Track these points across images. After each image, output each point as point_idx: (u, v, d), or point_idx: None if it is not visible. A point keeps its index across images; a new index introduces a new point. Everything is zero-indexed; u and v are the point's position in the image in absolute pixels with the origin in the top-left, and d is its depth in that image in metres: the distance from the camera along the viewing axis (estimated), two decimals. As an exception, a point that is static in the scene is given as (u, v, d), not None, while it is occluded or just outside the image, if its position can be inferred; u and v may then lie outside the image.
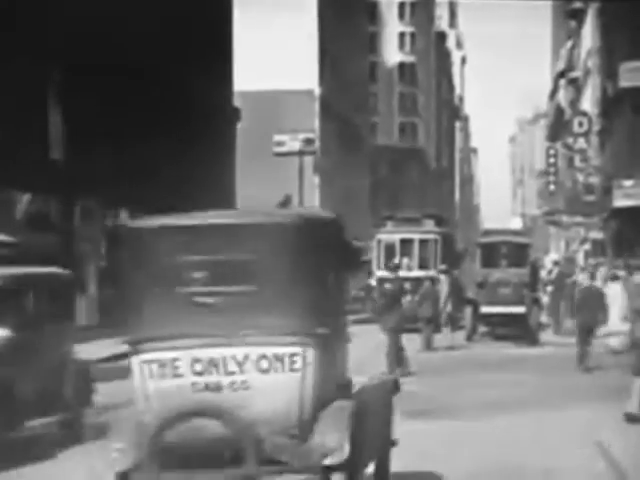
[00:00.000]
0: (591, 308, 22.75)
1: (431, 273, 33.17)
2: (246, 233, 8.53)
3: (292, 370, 8.30)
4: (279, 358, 8.31)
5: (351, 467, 8.25)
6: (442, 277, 32.34)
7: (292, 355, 8.31)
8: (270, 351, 8.29)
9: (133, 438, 8.37)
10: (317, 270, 8.59)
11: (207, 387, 8.31)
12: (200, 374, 8.31)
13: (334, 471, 8.24)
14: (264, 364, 8.31)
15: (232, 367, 8.30)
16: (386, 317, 22.27)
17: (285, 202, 58.56)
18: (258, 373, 8.31)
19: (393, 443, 10.13)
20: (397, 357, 21.69)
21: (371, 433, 8.81)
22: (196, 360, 8.30)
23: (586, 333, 22.57)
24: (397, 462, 12.58)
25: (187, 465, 8.20)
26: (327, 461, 8.15)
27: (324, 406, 8.39)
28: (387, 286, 23.68)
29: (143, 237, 8.66)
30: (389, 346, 21.73)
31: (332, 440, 8.20)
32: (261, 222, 8.70)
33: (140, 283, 8.56)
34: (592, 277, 25.68)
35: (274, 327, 8.30)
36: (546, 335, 29.88)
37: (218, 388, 8.29)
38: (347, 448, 8.17)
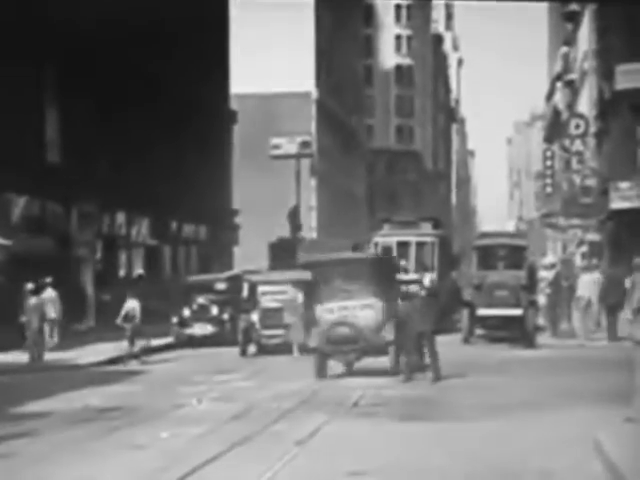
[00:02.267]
0: (613, 291, 28.24)
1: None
2: (357, 261, 23.80)
3: (374, 310, 21.79)
4: (369, 305, 21.81)
5: (396, 343, 21.58)
6: None
7: (374, 304, 21.82)
8: (366, 302, 21.82)
9: (315, 334, 21.99)
10: (384, 275, 22.87)
11: (342, 316, 21.70)
12: (340, 311, 21.74)
13: (390, 344, 21.60)
14: (364, 307, 21.77)
15: (351, 308, 21.76)
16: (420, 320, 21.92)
17: (294, 212, 58.69)
18: (361, 310, 21.74)
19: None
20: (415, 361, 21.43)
21: (404, 330, 21.41)
22: (339, 306, 21.78)
23: (613, 311, 28.29)
24: (397, 462, 12.62)
25: (336, 343, 21.51)
26: (387, 339, 21.63)
27: (386, 322, 21.76)
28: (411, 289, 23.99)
29: (318, 264, 23.77)
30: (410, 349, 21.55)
31: (388, 333, 21.70)
32: (363, 256, 26.51)
33: (320, 281, 22.56)
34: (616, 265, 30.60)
35: (368, 295, 21.86)
36: (543, 338, 29.85)
37: (346, 316, 21.68)
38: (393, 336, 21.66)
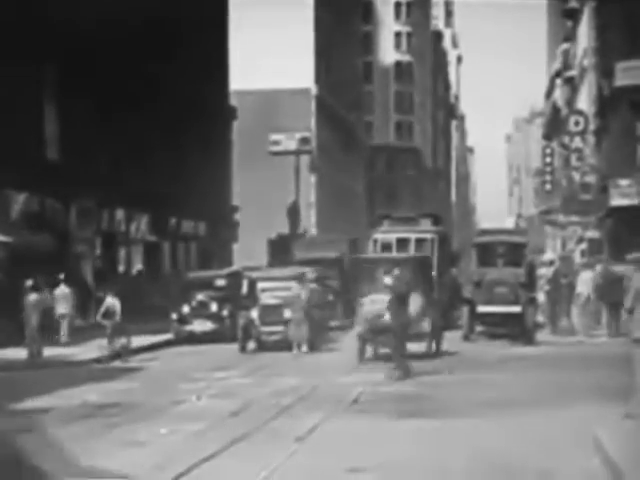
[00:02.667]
0: (613, 288, 28.18)
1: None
2: (402, 260, 26.13)
3: (414, 304, 22.78)
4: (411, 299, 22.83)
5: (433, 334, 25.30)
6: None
7: (415, 299, 22.96)
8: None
9: (360, 322, 24.42)
10: (424, 272, 26.04)
11: (380, 307, 22.48)
12: (380, 303, 22.53)
13: (427, 334, 24.87)
14: None
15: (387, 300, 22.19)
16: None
17: (294, 208, 58.76)
18: None
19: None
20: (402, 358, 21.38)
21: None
22: (381, 298, 22.55)
23: (615, 308, 28.23)
24: (396, 459, 12.64)
25: (377, 331, 23.22)
26: (425, 329, 24.67)
27: (424, 315, 24.55)
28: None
29: (363, 261, 28.77)
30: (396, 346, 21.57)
31: (427, 324, 24.82)
32: (407, 256, 29.47)
33: (362, 276, 26.44)
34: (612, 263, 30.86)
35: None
36: (542, 335, 29.86)
37: (382, 308, 22.18)
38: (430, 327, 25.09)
